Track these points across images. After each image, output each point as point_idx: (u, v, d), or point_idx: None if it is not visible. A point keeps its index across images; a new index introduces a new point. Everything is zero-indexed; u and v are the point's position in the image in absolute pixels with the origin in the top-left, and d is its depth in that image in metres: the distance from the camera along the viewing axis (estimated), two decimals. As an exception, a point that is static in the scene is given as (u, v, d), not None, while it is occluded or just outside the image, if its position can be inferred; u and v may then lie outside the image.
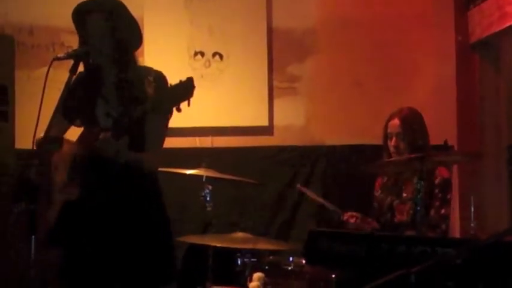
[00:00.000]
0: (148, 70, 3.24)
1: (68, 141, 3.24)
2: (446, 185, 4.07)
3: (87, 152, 3.06)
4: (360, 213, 4.19)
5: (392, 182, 4.21)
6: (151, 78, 3.12)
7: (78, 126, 3.32)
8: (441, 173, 4.06)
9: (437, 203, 4.01)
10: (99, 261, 3.09)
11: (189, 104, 2.87)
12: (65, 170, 3.13)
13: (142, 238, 3.14)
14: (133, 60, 3.23)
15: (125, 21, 3.18)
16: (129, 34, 3.20)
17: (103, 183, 3.11)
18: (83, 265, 3.11)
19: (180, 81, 2.87)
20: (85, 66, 3.15)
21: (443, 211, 3.99)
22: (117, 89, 3.16)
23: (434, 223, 3.96)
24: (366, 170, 4.21)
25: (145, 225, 3.17)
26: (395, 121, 4.10)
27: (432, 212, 3.99)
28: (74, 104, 3.20)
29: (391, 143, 4.10)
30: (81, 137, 3.22)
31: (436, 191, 4.03)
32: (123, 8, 3.20)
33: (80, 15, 3.18)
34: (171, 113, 3.05)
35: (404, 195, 4.12)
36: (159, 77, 3.19)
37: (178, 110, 2.89)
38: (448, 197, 4.07)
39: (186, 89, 2.85)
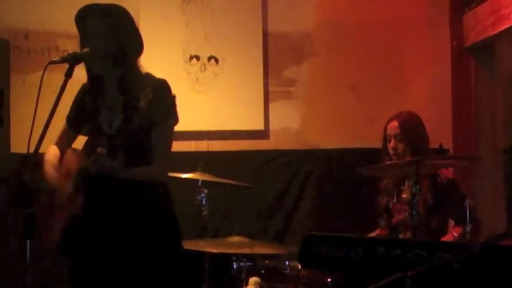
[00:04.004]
0: (150, 79, 3.20)
1: (74, 150, 3.22)
2: (455, 183, 4.08)
3: (86, 165, 3.02)
4: None
5: (391, 184, 4.22)
6: (149, 90, 3.09)
7: (85, 135, 3.30)
8: (446, 175, 4.07)
9: (458, 201, 3.99)
10: (108, 272, 3.07)
11: None
12: (70, 179, 3.09)
13: (151, 251, 3.11)
14: (135, 68, 3.19)
15: (127, 28, 3.17)
16: (130, 41, 3.17)
17: (104, 196, 3.08)
18: (92, 276, 3.09)
19: None
20: (88, 73, 3.15)
21: (470, 203, 3.92)
22: (119, 97, 3.14)
23: (470, 218, 3.85)
24: (362, 173, 4.22)
25: (153, 238, 3.13)
26: (394, 123, 4.13)
27: (460, 210, 3.92)
28: (80, 114, 3.19)
29: (390, 145, 4.13)
30: (85, 146, 3.19)
31: (450, 191, 4.02)
32: (126, 14, 3.19)
33: (82, 20, 3.16)
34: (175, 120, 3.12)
35: (404, 196, 4.12)
36: (160, 87, 3.15)
37: None
38: (463, 191, 4.06)
39: None
